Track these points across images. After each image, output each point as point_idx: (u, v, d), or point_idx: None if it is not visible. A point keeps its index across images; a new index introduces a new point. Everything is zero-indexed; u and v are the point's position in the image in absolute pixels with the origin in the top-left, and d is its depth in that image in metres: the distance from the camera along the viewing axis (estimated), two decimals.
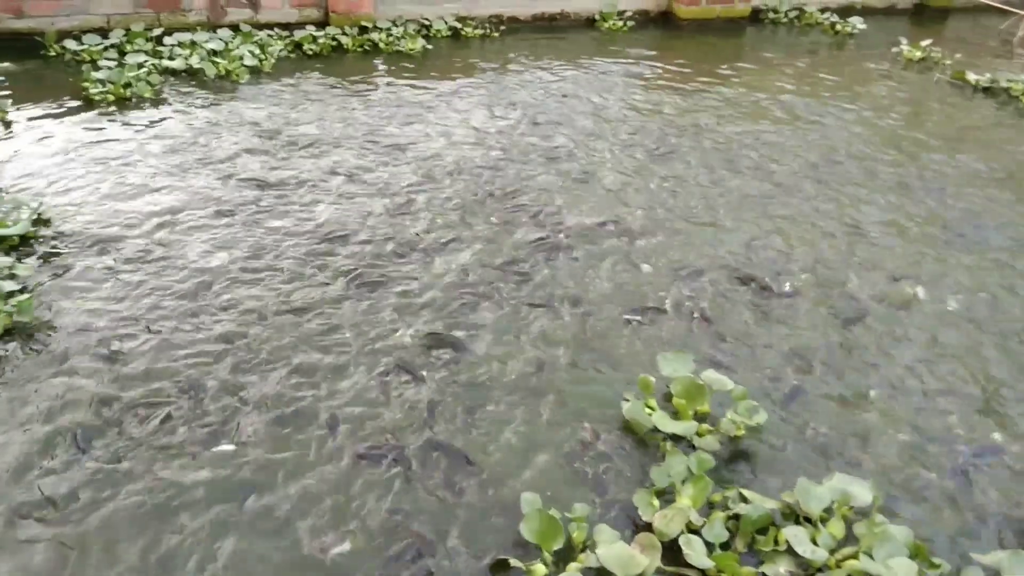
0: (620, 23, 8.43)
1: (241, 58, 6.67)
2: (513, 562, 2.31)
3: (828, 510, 2.47)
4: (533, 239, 4.14)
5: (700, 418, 2.89)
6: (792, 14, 9.00)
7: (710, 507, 2.51)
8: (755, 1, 8.81)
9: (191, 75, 6.49)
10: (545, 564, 2.31)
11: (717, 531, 2.39)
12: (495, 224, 4.30)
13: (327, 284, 3.68)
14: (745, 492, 2.53)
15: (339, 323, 3.40)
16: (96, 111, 5.67)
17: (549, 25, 8.45)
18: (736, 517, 2.46)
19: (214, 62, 6.58)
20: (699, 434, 2.79)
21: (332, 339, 3.30)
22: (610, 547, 2.32)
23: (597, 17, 8.51)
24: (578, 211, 4.47)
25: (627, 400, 2.92)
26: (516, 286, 3.73)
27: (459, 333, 3.37)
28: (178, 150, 5.09)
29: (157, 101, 5.93)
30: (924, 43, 7.76)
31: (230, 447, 2.73)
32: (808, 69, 7.41)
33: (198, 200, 4.44)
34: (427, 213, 4.39)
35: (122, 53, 6.72)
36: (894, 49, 7.90)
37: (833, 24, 8.83)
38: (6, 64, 6.46)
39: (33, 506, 2.46)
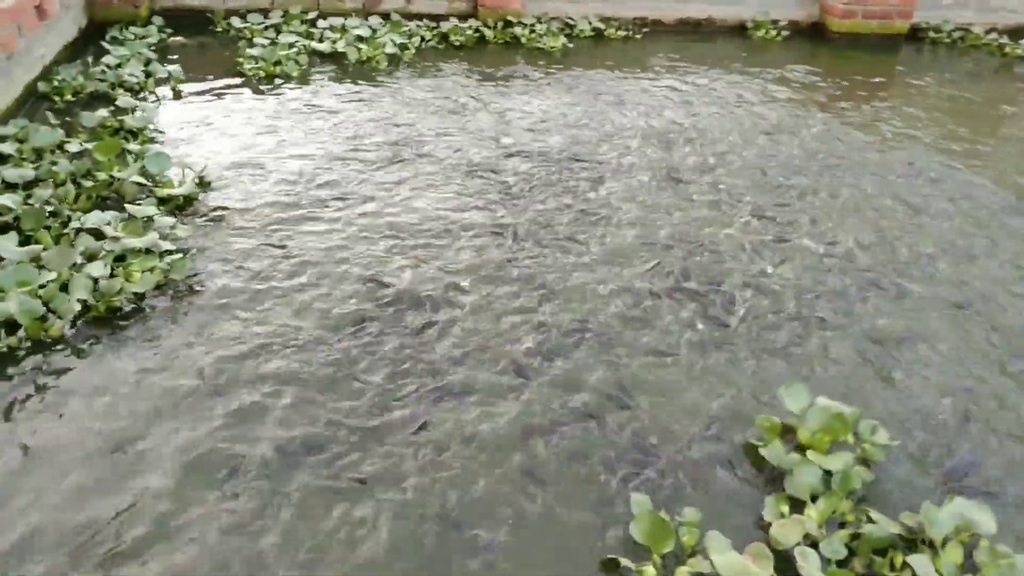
0: (774, 32, 8.23)
1: (384, 46, 6.91)
2: (624, 562, 2.31)
3: (948, 536, 2.36)
4: None
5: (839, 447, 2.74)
6: (956, 34, 8.49)
7: (838, 525, 2.44)
8: (916, 18, 8.37)
9: (335, 58, 6.80)
10: (655, 567, 2.30)
11: (835, 547, 2.31)
12: None
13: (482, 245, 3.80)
14: (872, 512, 2.44)
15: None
16: (247, 86, 6.07)
17: (694, 30, 8.34)
18: (858, 536, 2.37)
19: (358, 48, 6.85)
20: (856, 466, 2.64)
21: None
22: (724, 555, 2.29)
23: (749, 25, 8.33)
24: None
25: (761, 444, 2.73)
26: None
27: None
28: (316, 122, 5.44)
29: (302, 80, 6.27)
30: None
31: None
32: (964, 100, 6.98)
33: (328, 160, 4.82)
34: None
35: (279, 33, 7.15)
36: None
37: (1001, 46, 8.29)
38: (180, 38, 7.02)
39: None
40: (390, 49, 6.91)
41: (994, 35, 8.45)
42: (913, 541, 2.39)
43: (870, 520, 2.42)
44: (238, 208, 4.20)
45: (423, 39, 7.38)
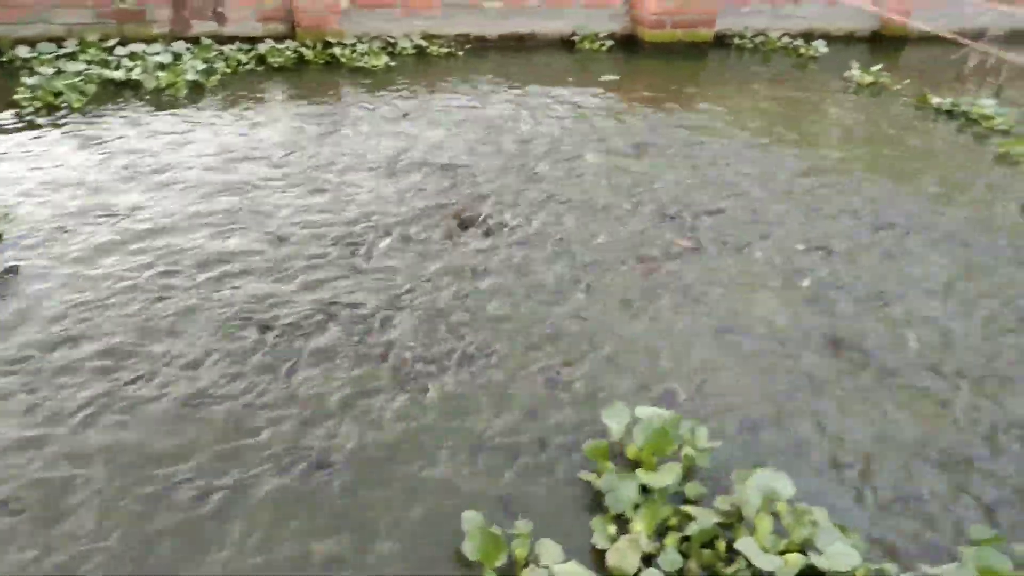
0: (598, 44, 8.52)
1: (185, 73, 6.54)
2: None
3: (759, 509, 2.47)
4: None
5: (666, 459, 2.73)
6: (757, 39, 9.15)
7: (666, 530, 2.49)
8: (719, 26, 8.93)
9: (132, 87, 6.40)
10: None
11: (672, 557, 2.36)
12: None
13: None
14: (687, 509, 2.51)
15: None
16: (15, 115, 5.67)
17: (518, 45, 8.48)
18: (688, 538, 2.43)
19: (156, 76, 6.45)
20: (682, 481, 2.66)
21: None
22: (564, 566, 2.30)
23: (576, 38, 8.58)
24: None
25: (596, 474, 2.69)
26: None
27: None
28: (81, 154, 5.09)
29: (83, 110, 5.86)
30: (874, 68, 8.03)
31: None
32: (767, 92, 7.54)
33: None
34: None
35: (70, 61, 6.64)
36: (846, 74, 8.09)
37: (796, 48, 9.05)
38: None
39: None
40: (192, 76, 6.54)
41: (787, 39, 9.21)
42: (731, 524, 2.48)
43: (690, 517, 2.49)
44: None
45: (240, 63, 7.08)
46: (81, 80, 6.19)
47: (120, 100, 6.16)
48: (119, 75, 6.43)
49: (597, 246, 4.29)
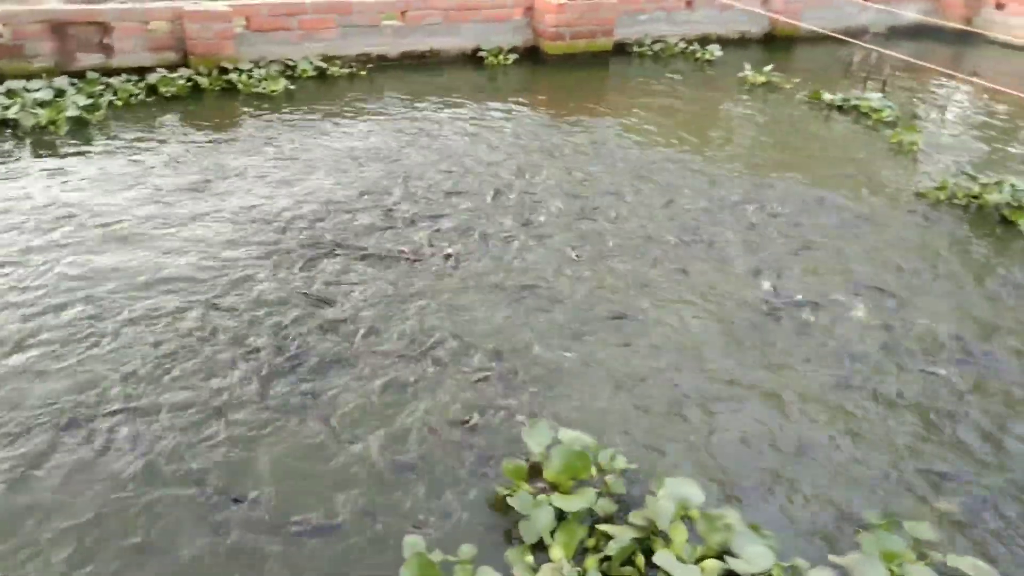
0: (503, 58, 8.55)
1: (66, 109, 6.16)
2: None
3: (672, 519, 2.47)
4: None
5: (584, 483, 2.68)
6: (657, 46, 9.35)
7: (584, 551, 2.45)
8: (618, 35, 9.08)
9: (8, 126, 6.00)
10: None
11: None
12: None
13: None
14: (604, 528, 2.48)
15: None
16: None
17: (419, 63, 8.43)
18: (608, 558, 2.40)
19: (35, 113, 6.07)
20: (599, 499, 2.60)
21: None
22: None
23: (485, 54, 8.58)
24: None
25: (509, 492, 2.63)
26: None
27: None
28: None
29: None
30: (766, 68, 8.33)
31: None
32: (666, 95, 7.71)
33: None
34: None
35: None
36: (739, 74, 8.36)
37: (693, 52, 9.31)
38: None
39: None
40: (73, 112, 6.18)
41: (683, 44, 9.45)
42: (647, 538, 2.47)
43: (608, 536, 2.45)
44: None
45: (131, 94, 6.79)
46: None
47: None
48: None
49: None
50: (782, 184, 5.57)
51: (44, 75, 6.89)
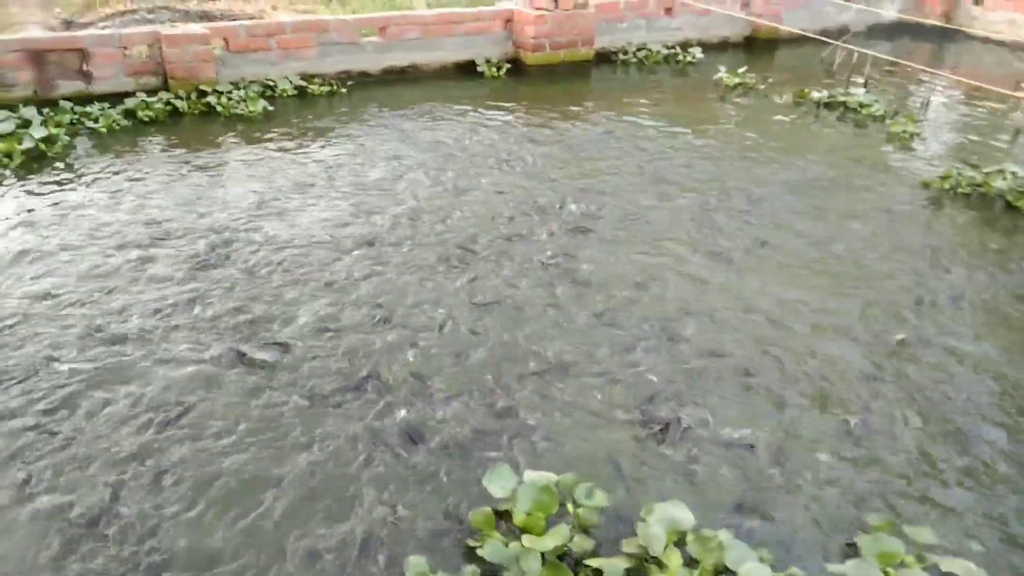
0: (496, 70, 8.59)
1: (21, 140, 6.02)
2: None
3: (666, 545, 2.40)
4: None
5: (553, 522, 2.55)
6: (640, 53, 9.37)
7: None
8: (600, 44, 9.09)
9: None
10: None
11: None
12: None
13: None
14: (593, 563, 2.37)
15: None
16: None
17: (400, 78, 8.43)
18: None
19: None
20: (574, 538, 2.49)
21: None
22: None
23: (482, 66, 8.61)
24: None
25: (479, 545, 2.46)
26: None
27: None
28: None
29: None
30: (740, 70, 8.38)
31: None
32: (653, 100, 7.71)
33: None
34: None
35: None
36: (715, 76, 8.39)
37: (675, 56, 9.37)
38: None
39: None
40: (29, 144, 5.97)
41: (666, 50, 9.48)
42: (641, 567, 2.38)
43: (599, 572, 2.35)
44: None
45: (112, 120, 6.77)
46: None
47: None
48: None
49: None
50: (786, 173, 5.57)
51: (22, 104, 6.88)
